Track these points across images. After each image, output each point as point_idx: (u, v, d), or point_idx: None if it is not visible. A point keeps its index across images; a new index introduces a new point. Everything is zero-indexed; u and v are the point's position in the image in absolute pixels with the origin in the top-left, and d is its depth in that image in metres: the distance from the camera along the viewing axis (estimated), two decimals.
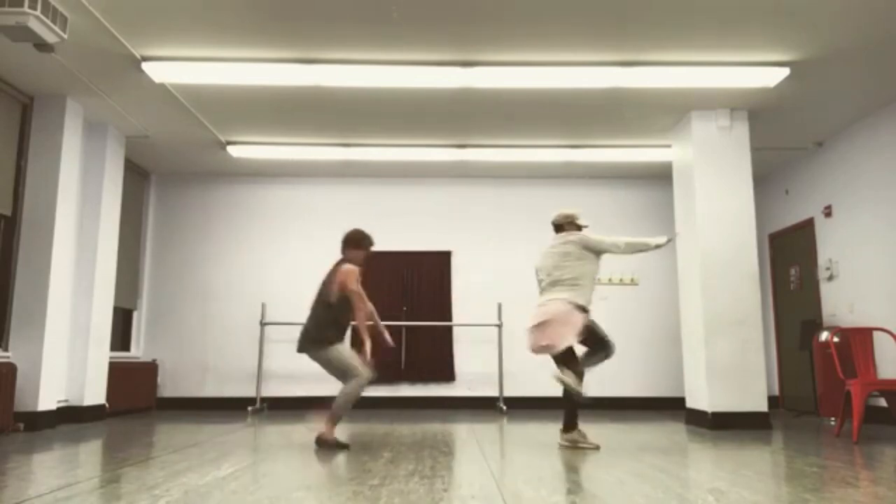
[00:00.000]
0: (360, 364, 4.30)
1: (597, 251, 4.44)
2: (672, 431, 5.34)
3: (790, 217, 7.55)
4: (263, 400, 7.65)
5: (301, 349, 4.38)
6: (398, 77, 5.19)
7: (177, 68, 5.06)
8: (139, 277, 7.75)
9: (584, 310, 4.29)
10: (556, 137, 6.75)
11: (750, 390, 5.66)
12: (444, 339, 7.80)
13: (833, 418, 6.19)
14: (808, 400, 7.20)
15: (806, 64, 5.10)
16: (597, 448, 4.28)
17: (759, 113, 6.10)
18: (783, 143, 6.88)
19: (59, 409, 5.88)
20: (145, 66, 5.04)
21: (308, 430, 4.30)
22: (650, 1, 4.24)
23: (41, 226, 5.58)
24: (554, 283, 4.41)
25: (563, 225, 4.64)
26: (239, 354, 7.76)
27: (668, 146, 6.97)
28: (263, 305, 7.53)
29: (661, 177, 8.19)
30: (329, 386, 7.67)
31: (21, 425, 5.26)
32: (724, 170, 6.00)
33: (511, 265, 8.01)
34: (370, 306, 4.52)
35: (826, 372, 6.17)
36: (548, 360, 7.78)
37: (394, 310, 7.80)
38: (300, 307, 7.85)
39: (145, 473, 3.26)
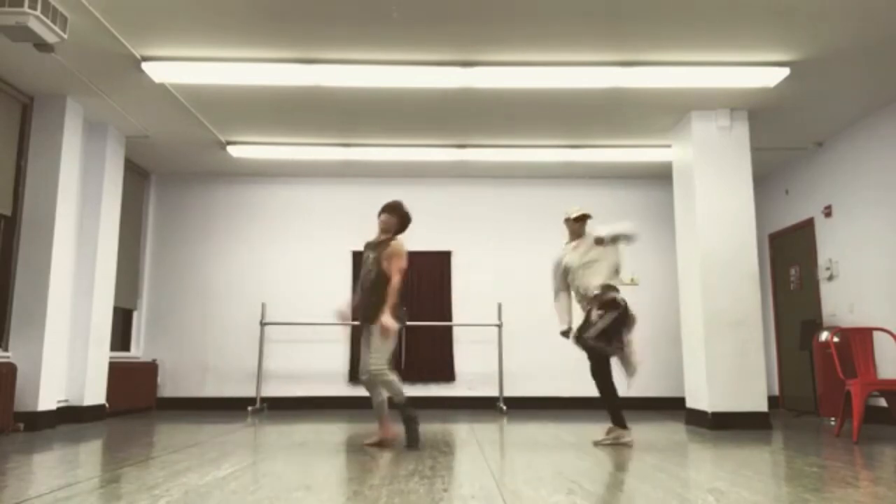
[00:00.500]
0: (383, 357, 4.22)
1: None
2: (672, 431, 5.34)
3: (790, 217, 7.55)
4: (263, 400, 7.65)
5: (366, 321, 4.29)
6: (398, 77, 5.19)
7: (177, 68, 5.06)
8: (139, 277, 7.75)
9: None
10: (556, 137, 6.75)
11: (750, 390, 5.66)
12: (444, 339, 7.80)
13: (833, 418, 6.19)
14: (808, 400, 7.20)
15: (806, 64, 5.10)
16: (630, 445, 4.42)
17: (759, 113, 6.10)
18: (783, 143, 6.88)
19: (59, 409, 5.88)
20: (145, 66, 5.04)
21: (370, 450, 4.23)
22: (650, 1, 4.24)
23: (41, 226, 5.58)
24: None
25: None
26: (239, 354, 7.76)
27: (668, 146, 6.97)
28: (263, 305, 7.53)
29: (661, 177, 8.19)
30: (329, 386, 7.67)
31: (21, 425, 5.26)
32: (724, 170, 6.00)
33: (511, 265, 8.01)
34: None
35: (826, 372, 6.17)
36: (547, 361, 7.79)
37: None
38: (300, 307, 7.85)
39: (145, 473, 3.26)
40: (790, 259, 7.63)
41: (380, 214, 4.59)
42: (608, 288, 4.45)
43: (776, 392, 7.86)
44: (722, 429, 5.54)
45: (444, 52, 4.91)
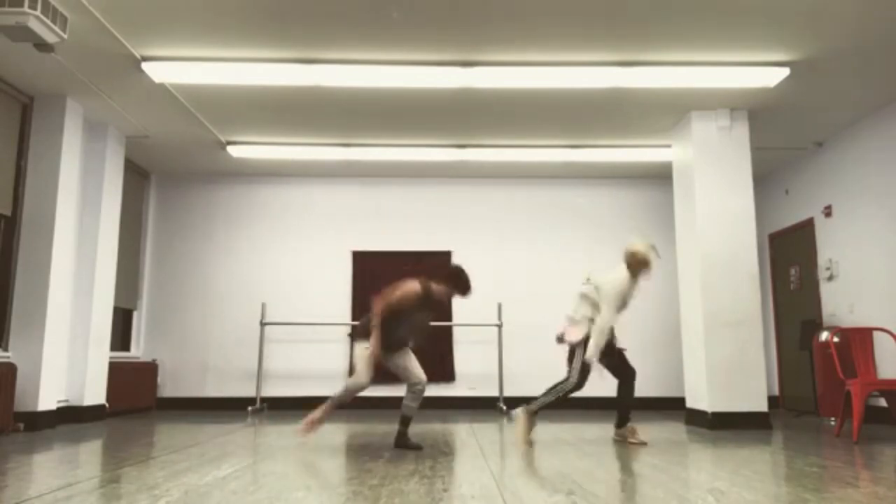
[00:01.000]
0: (362, 371, 4.16)
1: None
2: (672, 431, 5.34)
3: (790, 217, 7.55)
4: (263, 400, 7.65)
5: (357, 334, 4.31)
6: (398, 77, 5.19)
7: (177, 68, 5.06)
8: (139, 277, 7.75)
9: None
10: (556, 137, 6.75)
11: (750, 390, 5.66)
12: (444, 339, 7.80)
13: (833, 418, 6.19)
14: (808, 400, 7.20)
15: (806, 64, 5.10)
16: (644, 444, 4.51)
17: (759, 113, 6.10)
18: (783, 143, 6.88)
19: (59, 409, 5.88)
20: (145, 66, 5.04)
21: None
22: (650, 1, 4.24)
23: (41, 226, 5.58)
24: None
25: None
26: (239, 354, 7.76)
27: (668, 146, 6.97)
28: (263, 305, 7.53)
29: (661, 177, 8.19)
30: (329, 386, 7.67)
31: (21, 425, 5.26)
32: (724, 170, 6.00)
33: (511, 265, 8.01)
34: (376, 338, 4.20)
35: (826, 372, 6.17)
36: (547, 361, 7.79)
37: None
38: (300, 307, 7.86)
39: (145, 473, 3.26)
40: (790, 259, 7.63)
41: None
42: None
43: (776, 392, 7.86)
44: (722, 429, 5.54)
45: (444, 52, 4.91)
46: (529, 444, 4.51)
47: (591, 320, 4.57)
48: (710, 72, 5.14)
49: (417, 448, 4.19)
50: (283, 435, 5.02)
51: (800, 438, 4.86)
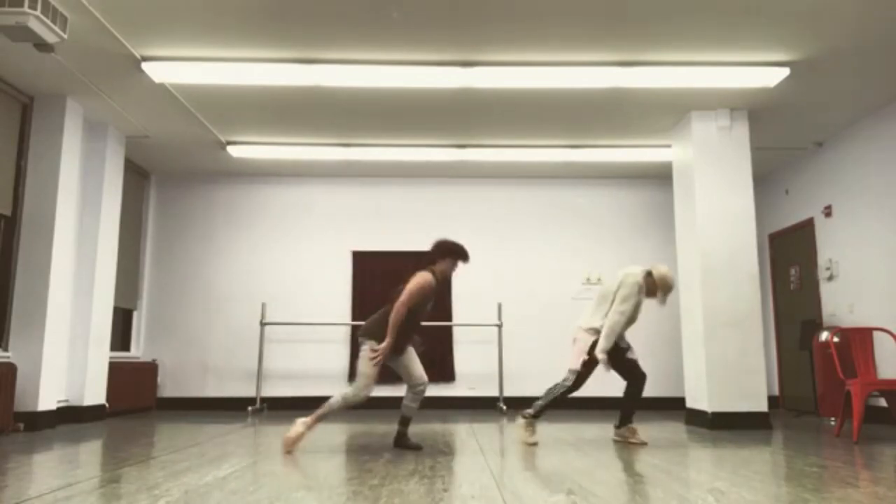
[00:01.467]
0: (369, 382, 4.05)
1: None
2: (672, 431, 5.34)
3: (790, 217, 7.55)
4: (263, 400, 7.65)
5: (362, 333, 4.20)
6: (398, 77, 5.19)
7: (177, 68, 5.06)
8: (139, 277, 7.75)
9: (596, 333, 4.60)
10: (556, 137, 6.75)
11: (750, 390, 5.66)
12: (444, 339, 7.80)
13: (833, 418, 6.19)
14: (808, 400, 7.20)
15: (806, 64, 5.10)
16: (644, 444, 4.51)
17: (759, 113, 6.10)
18: (783, 143, 6.88)
19: (59, 409, 5.88)
20: (145, 66, 5.04)
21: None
22: (650, 1, 4.24)
23: (41, 226, 5.58)
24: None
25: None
26: (239, 354, 7.76)
27: (668, 146, 6.97)
28: (263, 305, 7.53)
29: (661, 177, 8.19)
30: (329, 386, 7.67)
31: (21, 425, 5.26)
32: (724, 170, 6.00)
33: (511, 265, 8.01)
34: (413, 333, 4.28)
35: (826, 372, 6.17)
36: (547, 361, 7.80)
37: None
38: (300, 307, 7.86)
39: (145, 473, 3.26)
40: (790, 259, 7.63)
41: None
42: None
43: (776, 392, 7.86)
44: (722, 429, 5.54)
45: (444, 52, 4.91)
46: (534, 444, 4.50)
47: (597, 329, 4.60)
48: (710, 72, 5.14)
49: (417, 448, 4.19)
50: (283, 435, 5.02)
51: (800, 438, 4.86)
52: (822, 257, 6.90)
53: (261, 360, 7.39)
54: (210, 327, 7.81)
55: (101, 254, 6.34)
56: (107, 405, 6.42)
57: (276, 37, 4.70)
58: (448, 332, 7.82)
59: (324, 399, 7.62)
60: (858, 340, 5.07)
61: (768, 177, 8.04)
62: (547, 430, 5.37)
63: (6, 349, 5.41)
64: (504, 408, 7.15)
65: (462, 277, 7.96)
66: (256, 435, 5.02)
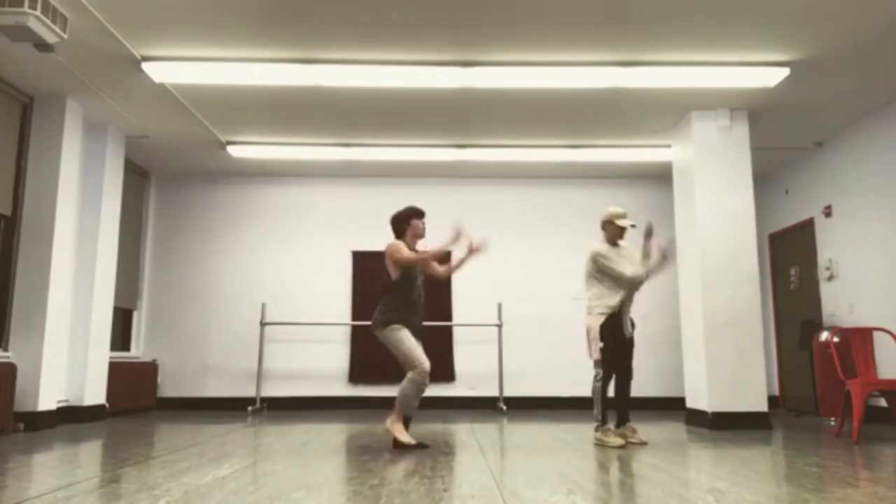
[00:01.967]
0: (416, 357, 4.19)
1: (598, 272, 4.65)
2: (672, 431, 5.34)
3: (790, 217, 7.55)
4: (263, 400, 7.65)
5: (371, 329, 4.41)
6: (398, 77, 5.19)
7: (177, 68, 5.06)
8: (139, 277, 7.75)
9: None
10: (556, 137, 6.75)
11: (750, 390, 5.66)
12: (444, 339, 7.80)
13: (833, 418, 6.19)
14: (808, 400, 7.20)
15: (806, 64, 5.10)
16: (644, 443, 4.52)
17: (759, 113, 6.10)
18: (783, 143, 6.88)
19: (59, 409, 5.88)
20: (145, 66, 5.04)
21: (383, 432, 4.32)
22: (650, 1, 4.24)
23: (41, 226, 5.58)
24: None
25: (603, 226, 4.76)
26: (239, 354, 7.76)
27: (668, 146, 6.97)
28: (263, 305, 7.53)
29: (661, 177, 8.19)
30: (329, 386, 7.67)
31: (21, 425, 5.26)
32: (724, 170, 6.00)
33: (511, 265, 8.01)
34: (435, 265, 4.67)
35: (826, 372, 6.17)
36: (547, 361, 7.79)
37: None
38: (300, 307, 7.86)
39: (145, 473, 3.26)
40: (790, 259, 7.63)
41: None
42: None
43: (776, 392, 7.86)
44: (722, 429, 5.54)
45: (444, 52, 4.91)
46: (624, 446, 4.42)
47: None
48: (710, 72, 5.14)
49: (423, 446, 4.19)
50: (283, 435, 5.02)
51: (800, 438, 4.86)
52: (822, 257, 6.90)
53: (261, 360, 7.39)
54: (210, 327, 7.81)
55: (101, 254, 6.34)
56: (107, 405, 6.42)
57: (276, 37, 4.70)
58: (448, 332, 7.81)
59: (324, 399, 7.63)
60: (858, 340, 5.07)
61: (768, 177, 8.04)
62: (547, 430, 5.37)
63: (6, 349, 5.41)
64: (504, 408, 7.15)
65: (462, 277, 7.96)
66: (256, 435, 5.03)
